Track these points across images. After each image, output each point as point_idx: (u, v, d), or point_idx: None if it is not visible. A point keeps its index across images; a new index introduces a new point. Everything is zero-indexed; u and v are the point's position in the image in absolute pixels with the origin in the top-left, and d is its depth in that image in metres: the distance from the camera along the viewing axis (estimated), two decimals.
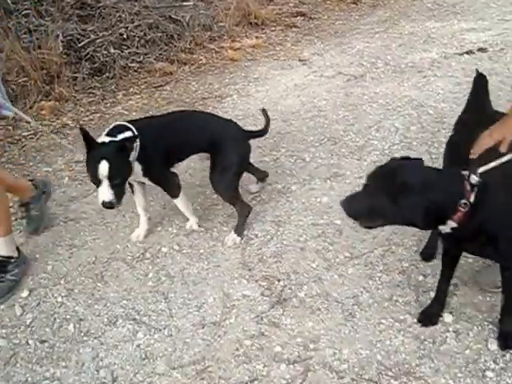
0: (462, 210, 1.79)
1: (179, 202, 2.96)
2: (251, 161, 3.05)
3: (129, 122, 2.74)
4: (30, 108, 4.34)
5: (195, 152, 2.91)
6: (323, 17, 6.39)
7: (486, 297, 2.35)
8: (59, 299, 2.65)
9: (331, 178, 3.38)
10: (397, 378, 2.05)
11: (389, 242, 2.76)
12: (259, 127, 3.14)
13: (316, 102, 4.35)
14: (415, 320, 2.29)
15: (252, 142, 3.00)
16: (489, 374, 2.04)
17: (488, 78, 2.47)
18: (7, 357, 2.32)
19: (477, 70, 2.49)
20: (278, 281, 2.61)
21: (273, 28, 5.93)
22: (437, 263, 2.43)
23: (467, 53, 4.85)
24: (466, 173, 1.85)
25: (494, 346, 2.15)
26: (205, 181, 3.12)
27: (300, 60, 5.19)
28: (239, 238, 2.91)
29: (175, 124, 2.86)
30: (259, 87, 4.70)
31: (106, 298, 2.62)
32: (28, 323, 2.51)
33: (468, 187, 1.81)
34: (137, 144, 2.59)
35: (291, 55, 5.33)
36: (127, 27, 5.07)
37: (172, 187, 2.92)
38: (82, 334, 2.44)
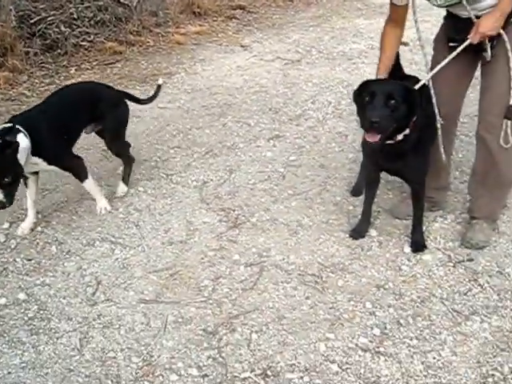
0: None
1: (87, 185, 3.05)
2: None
3: (12, 117, 2.82)
4: None
5: (84, 125, 3.05)
6: (261, 11, 6.95)
7: (402, 220, 2.93)
8: (39, 229, 3.03)
9: (273, 138, 3.91)
10: (334, 272, 2.60)
11: (324, 184, 3.31)
12: (207, 100, 3.64)
13: (257, 80, 4.89)
14: (347, 235, 2.84)
15: (201, 111, 3.49)
16: (404, 268, 2.62)
17: (409, 65, 3.04)
18: None
19: None
20: (233, 211, 3.10)
21: (214, 18, 6.43)
22: (362, 198, 3.00)
23: None
24: None
25: (407, 249, 2.72)
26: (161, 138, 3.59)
27: (241, 46, 5.72)
28: (126, 188, 3.26)
29: (57, 105, 2.95)
30: (205, 67, 5.20)
31: (82, 226, 3.03)
32: (13, 247, 2.88)
33: None
34: (26, 139, 2.64)
35: (233, 42, 5.85)
36: (77, 7, 5.41)
37: (78, 171, 2.99)
38: (64, 253, 2.83)
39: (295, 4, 7.30)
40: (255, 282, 2.56)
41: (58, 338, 2.32)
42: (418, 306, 2.37)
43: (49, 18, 5.17)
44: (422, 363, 2.11)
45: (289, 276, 2.58)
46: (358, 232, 2.79)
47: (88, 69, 5.03)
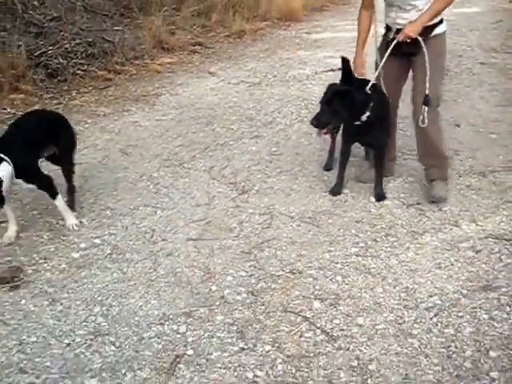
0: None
1: (58, 202, 3.44)
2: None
3: None
4: (4, 99, 5.51)
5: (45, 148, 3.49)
6: (216, 46, 8.12)
7: (366, 184, 4.07)
8: (91, 200, 3.98)
9: (254, 138, 4.99)
10: (324, 215, 3.67)
11: (302, 164, 4.42)
12: (193, 113, 5.21)
13: (230, 98, 6.00)
14: (328, 194, 3.97)
15: (191, 120, 4.81)
16: (372, 210, 3.73)
17: None
18: None
19: (342, 57, 3.74)
20: (239, 183, 4.15)
21: (180, 52, 7.53)
22: (333, 172, 4.08)
23: (331, 70, 6.78)
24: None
25: (373, 199, 3.87)
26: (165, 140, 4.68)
27: (209, 72, 6.83)
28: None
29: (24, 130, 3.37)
30: (184, 89, 6.27)
31: (124, 198, 3.96)
32: (75, 213, 3.82)
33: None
34: (9, 166, 3.11)
35: (201, 70, 6.96)
36: (70, 43, 6.41)
37: (50, 189, 3.39)
38: (118, 215, 3.76)
39: (243, 40, 8.50)
40: (269, 223, 3.59)
41: (135, 264, 3.25)
42: (387, 231, 3.47)
43: (49, 52, 6.08)
44: (396, 260, 3.20)
45: (292, 219, 3.64)
46: (336, 191, 3.90)
47: (86, 92, 5.96)
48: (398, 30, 3.47)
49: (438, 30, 3.54)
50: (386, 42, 3.59)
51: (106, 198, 3.88)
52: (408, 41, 3.42)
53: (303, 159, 4.40)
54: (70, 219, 3.49)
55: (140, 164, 4.36)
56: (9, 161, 3.08)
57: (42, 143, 3.44)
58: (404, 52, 3.52)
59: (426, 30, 3.46)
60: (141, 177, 4.17)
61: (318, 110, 3.43)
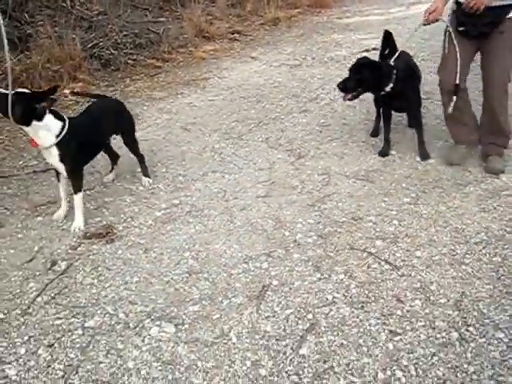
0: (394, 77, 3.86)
1: (77, 198, 3.53)
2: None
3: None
4: (65, 87, 6.00)
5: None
6: (253, 34, 8.54)
7: (410, 146, 4.50)
8: (163, 170, 4.46)
9: (302, 112, 5.41)
10: (376, 173, 4.10)
11: (351, 132, 4.85)
12: (242, 93, 5.52)
13: (274, 79, 6.43)
14: (377, 155, 4.40)
15: (241, 100, 5.20)
16: (419, 167, 4.17)
17: None
18: None
19: (385, 30, 4.33)
20: (295, 150, 4.60)
21: (221, 40, 7.98)
22: (380, 138, 4.49)
23: (366, 51, 7.16)
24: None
25: (418, 159, 4.31)
26: (220, 117, 5.10)
27: (251, 57, 7.26)
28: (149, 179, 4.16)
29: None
30: (230, 72, 6.71)
31: (193, 166, 4.41)
32: (151, 180, 4.30)
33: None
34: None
35: (243, 55, 7.41)
36: (118, 35, 6.91)
37: (77, 183, 3.54)
38: (190, 180, 4.19)
39: (279, 27, 8.91)
40: (328, 181, 4.01)
41: (213, 218, 3.68)
42: (434, 183, 3.85)
43: (100, 44, 6.59)
44: (445, 206, 3.59)
45: (347, 177, 4.06)
46: (384, 153, 4.32)
47: (139, 79, 6.44)
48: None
49: None
50: (456, 21, 3.65)
51: (177, 167, 4.32)
52: (478, 12, 3.37)
53: (351, 128, 4.81)
54: (78, 221, 3.55)
55: (201, 138, 4.81)
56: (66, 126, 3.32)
57: (106, 131, 3.79)
58: (475, 35, 3.56)
59: (501, 10, 3.40)
60: (204, 148, 4.62)
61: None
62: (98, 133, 3.68)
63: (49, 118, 3.30)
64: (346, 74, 3.93)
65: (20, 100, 3.16)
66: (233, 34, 8.21)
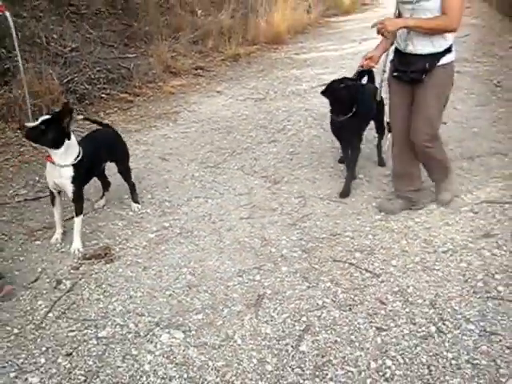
0: None
1: (78, 221, 3.74)
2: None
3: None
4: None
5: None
6: (216, 69, 8.97)
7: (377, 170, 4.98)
8: (149, 196, 4.82)
9: (272, 142, 5.78)
10: (338, 198, 4.61)
11: (319, 159, 5.28)
12: (212, 125, 5.97)
13: (242, 112, 6.84)
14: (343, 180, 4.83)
15: (212, 131, 5.76)
16: (386, 188, 4.68)
17: None
18: None
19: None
20: (270, 176, 4.97)
21: (186, 75, 8.36)
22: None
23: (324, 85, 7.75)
24: None
25: (385, 181, 4.79)
26: (195, 148, 5.50)
27: (217, 91, 7.67)
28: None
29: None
30: (199, 106, 7.10)
31: (176, 193, 4.76)
32: (139, 206, 4.64)
33: None
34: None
35: (209, 90, 7.81)
36: (92, 71, 7.26)
37: (79, 206, 3.77)
38: (176, 205, 4.49)
39: (239, 63, 9.39)
40: (304, 203, 4.37)
41: (203, 238, 3.98)
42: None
43: (75, 79, 6.91)
44: (413, 222, 4.05)
45: (322, 199, 4.42)
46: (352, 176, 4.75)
47: (112, 113, 6.73)
48: (406, 55, 3.56)
49: (444, 60, 3.48)
50: (393, 68, 3.73)
51: (161, 194, 4.64)
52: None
53: (319, 155, 5.26)
54: (77, 243, 3.75)
55: (180, 167, 5.16)
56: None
57: (104, 158, 4.05)
58: (407, 80, 3.60)
59: (432, 58, 3.44)
60: (184, 176, 4.96)
61: (325, 118, 4.31)
62: (98, 159, 3.97)
63: (73, 136, 3.55)
64: (308, 106, 4.37)
65: (51, 127, 3.43)
66: (196, 69, 8.62)
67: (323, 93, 4.13)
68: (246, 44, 9.99)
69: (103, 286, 3.42)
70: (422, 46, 3.44)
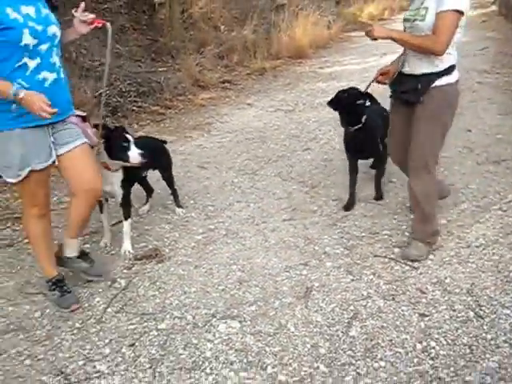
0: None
1: (126, 224, 3.96)
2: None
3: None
4: None
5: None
6: (243, 83, 9.28)
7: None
8: (191, 202, 5.11)
9: (305, 150, 6.06)
10: (373, 200, 4.86)
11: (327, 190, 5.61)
12: (245, 136, 6.22)
13: (273, 122, 7.13)
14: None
15: (246, 141, 6.09)
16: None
17: None
18: None
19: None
20: (307, 181, 5.25)
21: (215, 89, 8.70)
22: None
23: None
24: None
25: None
26: (231, 156, 5.80)
27: (247, 104, 7.97)
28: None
29: None
30: (231, 117, 7.40)
31: (217, 198, 5.09)
32: (185, 211, 4.93)
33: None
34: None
35: (239, 102, 8.11)
36: (123, 84, 7.59)
37: (127, 211, 3.98)
38: (219, 209, 4.79)
39: (265, 77, 9.69)
40: (342, 205, 4.72)
41: (249, 238, 4.23)
42: None
43: (107, 92, 7.24)
44: (446, 219, 4.34)
45: (359, 201, 4.62)
46: (348, 206, 4.66)
47: (146, 125, 7.04)
48: (402, 75, 3.43)
49: (441, 82, 3.23)
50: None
51: (203, 199, 4.91)
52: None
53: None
54: (127, 245, 3.96)
55: (219, 175, 5.44)
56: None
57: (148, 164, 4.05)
58: (403, 102, 3.42)
59: (425, 79, 3.22)
60: (224, 183, 5.23)
61: None
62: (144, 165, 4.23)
63: None
64: (337, 116, 4.42)
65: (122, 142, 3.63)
66: (223, 83, 8.91)
67: (329, 103, 4.12)
68: (270, 58, 10.28)
69: (157, 283, 3.65)
70: (415, 66, 3.28)
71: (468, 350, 2.85)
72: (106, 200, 3.97)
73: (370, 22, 4.00)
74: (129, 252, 3.93)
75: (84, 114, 3.46)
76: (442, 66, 3.19)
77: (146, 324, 3.24)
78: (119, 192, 3.80)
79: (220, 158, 5.79)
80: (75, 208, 3.32)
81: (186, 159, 5.84)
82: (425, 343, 2.90)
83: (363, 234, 4.03)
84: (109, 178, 3.67)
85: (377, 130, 4.17)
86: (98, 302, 3.46)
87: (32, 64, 2.89)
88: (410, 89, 3.26)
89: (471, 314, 3.10)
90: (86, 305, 3.44)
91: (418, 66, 3.26)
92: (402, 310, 3.17)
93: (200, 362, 2.91)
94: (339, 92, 4.14)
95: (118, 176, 3.75)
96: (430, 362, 2.78)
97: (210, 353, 2.97)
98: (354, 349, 2.91)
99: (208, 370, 2.83)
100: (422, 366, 2.78)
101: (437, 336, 2.95)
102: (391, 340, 2.95)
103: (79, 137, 3.19)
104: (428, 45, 3.07)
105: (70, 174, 3.20)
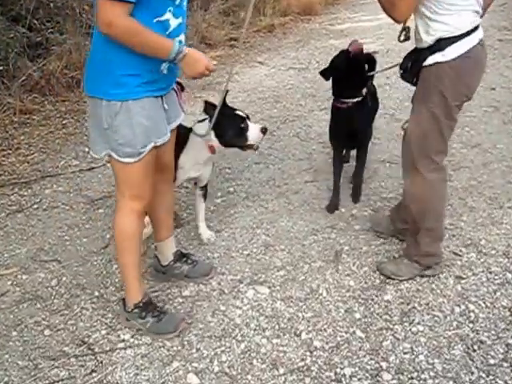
0: None
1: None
2: None
3: None
4: None
5: None
6: (251, 40, 8.99)
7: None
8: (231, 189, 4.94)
9: (323, 109, 5.82)
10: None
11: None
12: (258, 95, 6.06)
13: (286, 81, 6.91)
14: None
15: (259, 101, 5.81)
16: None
17: None
18: None
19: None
20: (327, 142, 5.11)
21: (222, 47, 8.45)
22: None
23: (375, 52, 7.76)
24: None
25: None
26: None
27: (258, 62, 7.76)
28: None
29: None
30: (242, 77, 7.17)
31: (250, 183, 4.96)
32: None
33: None
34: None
35: (249, 60, 7.85)
36: None
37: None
38: (250, 197, 4.75)
39: (274, 34, 9.39)
40: (366, 166, 4.53)
41: (271, 201, 4.13)
42: (461, 164, 4.46)
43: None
44: (476, 181, 4.19)
45: (383, 162, 4.55)
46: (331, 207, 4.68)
47: None
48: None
49: (434, 59, 2.54)
50: None
51: (220, 161, 4.67)
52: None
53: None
54: (206, 232, 3.64)
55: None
56: None
57: None
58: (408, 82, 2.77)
59: (416, 55, 2.62)
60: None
61: None
62: None
63: None
64: None
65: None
66: (230, 40, 8.60)
67: (331, 64, 3.49)
68: (278, 15, 9.95)
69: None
70: (416, 36, 2.64)
71: (508, 313, 2.78)
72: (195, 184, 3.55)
73: None
74: (211, 235, 3.64)
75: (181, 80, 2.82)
76: (429, 40, 2.54)
77: (169, 291, 3.13)
78: (209, 176, 3.48)
79: None
80: (163, 199, 2.94)
81: None
82: (463, 306, 2.82)
83: (391, 196, 3.91)
84: (207, 161, 3.34)
85: (377, 108, 3.77)
86: (116, 269, 3.29)
87: (174, 23, 2.42)
88: (403, 66, 2.68)
89: (509, 275, 3.01)
90: (104, 272, 3.33)
91: (418, 39, 2.61)
92: (437, 273, 3.02)
93: (230, 330, 2.83)
94: (335, 57, 3.44)
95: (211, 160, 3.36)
96: (470, 325, 2.70)
97: (239, 319, 2.89)
98: (389, 313, 2.82)
99: (239, 337, 2.75)
100: (461, 329, 2.71)
101: (475, 299, 2.86)
102: (428, 303, 2.86)
103: (179, 114, 2.70)
104: (389, 4, 2.48)
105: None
